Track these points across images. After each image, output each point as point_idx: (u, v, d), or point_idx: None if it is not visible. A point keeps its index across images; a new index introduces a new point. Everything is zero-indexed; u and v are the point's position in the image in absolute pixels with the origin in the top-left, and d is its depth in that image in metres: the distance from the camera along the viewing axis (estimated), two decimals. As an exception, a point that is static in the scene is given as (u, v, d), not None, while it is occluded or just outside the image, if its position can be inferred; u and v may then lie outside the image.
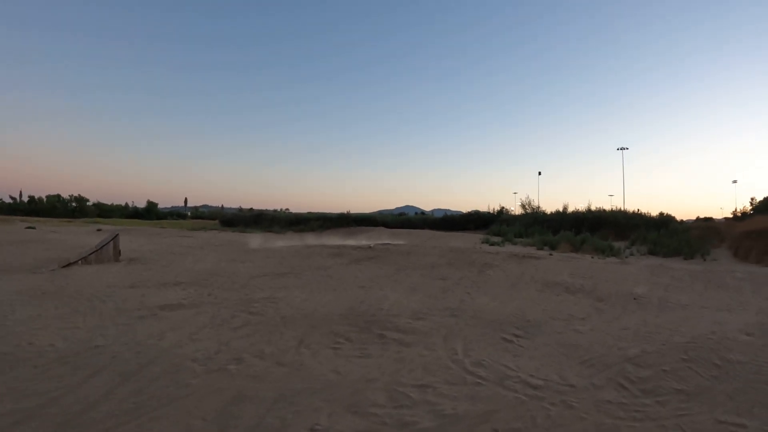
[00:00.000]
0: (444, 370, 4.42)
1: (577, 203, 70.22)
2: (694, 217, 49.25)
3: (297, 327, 6.09)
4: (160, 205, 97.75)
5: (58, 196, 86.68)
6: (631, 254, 21.15)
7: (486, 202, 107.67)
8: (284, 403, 3.65)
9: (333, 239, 27.13)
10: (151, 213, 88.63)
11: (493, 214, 46.37)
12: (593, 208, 36.64)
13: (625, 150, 55.89)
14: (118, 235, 14.82)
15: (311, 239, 28.73)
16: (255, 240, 26.23)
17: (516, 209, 49.26)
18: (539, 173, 64.81)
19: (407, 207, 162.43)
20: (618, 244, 23.30)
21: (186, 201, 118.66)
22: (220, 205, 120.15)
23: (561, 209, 38.84)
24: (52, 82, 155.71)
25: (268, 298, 8.11)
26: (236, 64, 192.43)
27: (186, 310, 7.20)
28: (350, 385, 4.02)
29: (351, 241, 24.13)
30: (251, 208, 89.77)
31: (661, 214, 32.70)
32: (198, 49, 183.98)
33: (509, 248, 22.36)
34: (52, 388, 3.93)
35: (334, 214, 53.96)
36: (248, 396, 3.80)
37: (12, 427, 3.22)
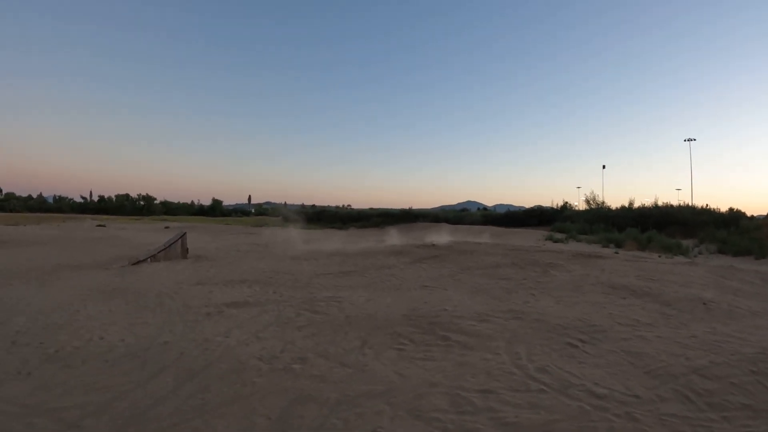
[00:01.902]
0: (507, 376, 4.38)
1: (643, 197, 67.94)
2: (766, 212, 46.54)
3: (361, 327, 6.21)
4: (225, 203, 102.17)
5: (127, 195, 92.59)
6: (700, 253, 20.81)
7: (549, 198, 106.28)
8: (347, 405, 3.73)
9: (394, 237, 27.55)
10: (215, 210, 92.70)
11: (556, 210, 47.04)
12: (660, 203, 36.91)
13: (693, 141, 53.69)
14: (185, 233, 15.71)
15: (373, 236, 29.27)
16: (312, 238, 26.78)
17: (580, 204, 49.69)
18: (603, 167, 61.74)
19: (469, 203, 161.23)
20: (686, 242, 22.99)
21: (250, 198, 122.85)
22: (283, 202, 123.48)
23: (626, 204, 39.10)
24: (120, 85, 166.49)
25: (332, 297, 8.31)
26: (298, 65, 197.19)
27: (251, 308, 7.50)
28: (413, 389, 4.06)
29: (412, 239, 24.42)
30: (313, 205, 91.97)
31: (731, 209, 32.06)
32: (259, 50, 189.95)
33: (573, 246, 22.45)
34: (121, 383, 4.21)
35: (395, 210, 54.76)
36: (312, 396, 3.90)
37: (81, 420, 3.48)
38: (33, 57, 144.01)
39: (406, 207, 56.89)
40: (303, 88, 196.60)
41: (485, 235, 29.50)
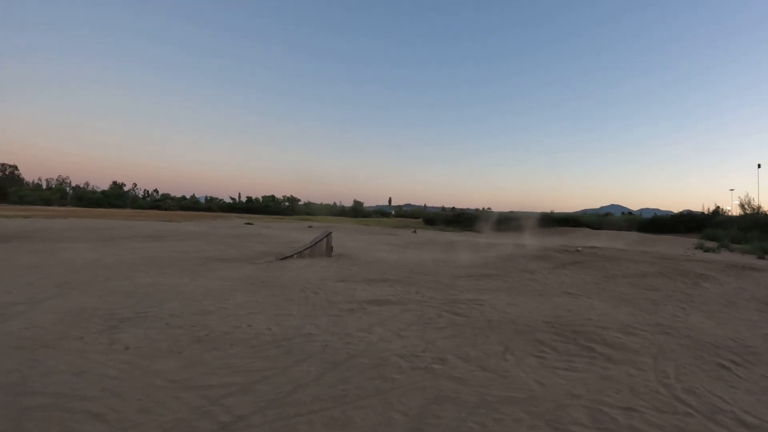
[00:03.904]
0: (652, 395, 4.21)
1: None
2: None
3: (502, 332, 6.25)
4: (366, 204, 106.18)
5: (272, 196, 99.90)
6: None
7: (699, 201, 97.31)
8: (485, 409, 3.74)
9: (535, 240, 27.34)
10: (356, 211, 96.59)
11: (706, 215, 45.08)
12: (826, 207, 34.25)
13: None
14: (330, 232, 16.68)
15: (512, 239, 29.47)
16: (451, 240, 26.98)
17: (733, 209, 47.12)
18: (758, 165, 54.83)
19: (613, 206, 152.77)
20: None
21: (390, 200, 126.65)
22: (423, 204, 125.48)
23: (786, 209, 36.45)
24: (266, 98, 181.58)
25: (473, 300, 8.45)
26: (442, 77, 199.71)
27: (393, 306, 7.76)
28: (553, 399, 4.01)
29: (553, 243, 24.06)
30: (453, 207, 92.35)
31: None
32: (404, 63, 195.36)
33: (725, 256, 21.19)
34: (264, 368, 4.57)
35: (535, 213, 53.92)
36: (450, 397, 3.96)
37: (225, 398, 3.83)
38: (190, 80, 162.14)
39: (547, 210, 55.83)
40: (442, 98, 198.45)
41: (630, 241, 29.43)
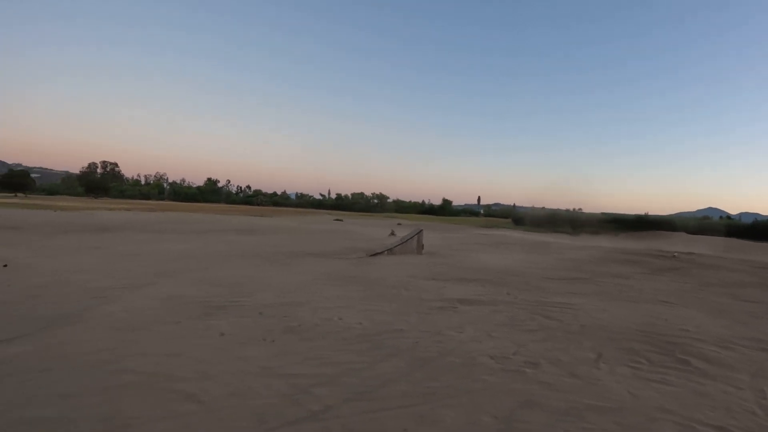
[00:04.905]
0: (748, 415, 3.94)
1: None
2: None
3: (594, 338, 6.10)
4: (454, 203, 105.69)
5: (362, 193, 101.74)
6: None
7: None
8: (574, 417, 3.64)
9: (628, 244, 26.50)
10: (444, 210, 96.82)
11: None
12: None
13: None
14: (422, 230, 16.83)
15: (603, 242, 29.48)
16: (542, 241, 26.56)
17: None
18: None
19: (710, 209, 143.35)
20: None
21: (479, 199, 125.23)
22: (512, 204, 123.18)
23: None
24: (354, 98, 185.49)
25: (565, 303, 8.29)
26: (539, 70, 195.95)
27: (484, 306, 7.70)
28: (645, 412, 3.85)
29: (648, 248, 23.32)
30: (543, 207, 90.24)
31: None
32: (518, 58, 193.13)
33: None
34: (353, 361, 4.67)
35: (629, 216, 51.93)
36: (539, 402, 3.88)
37: (312, 388, 3.93)
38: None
39: (641, 212, 53.73)
40: (534, 91, 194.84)
41: (726, 248, 28.57)
